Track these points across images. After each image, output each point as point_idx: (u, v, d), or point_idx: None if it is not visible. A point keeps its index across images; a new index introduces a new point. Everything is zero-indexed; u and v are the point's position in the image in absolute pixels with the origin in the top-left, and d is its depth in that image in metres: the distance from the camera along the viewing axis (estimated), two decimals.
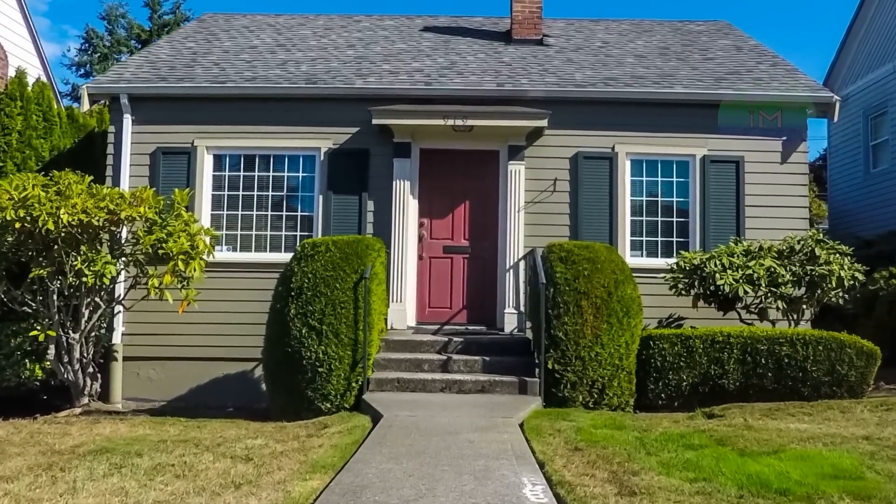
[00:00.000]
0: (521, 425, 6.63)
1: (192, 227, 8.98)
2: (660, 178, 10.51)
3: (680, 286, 9.02)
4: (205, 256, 9.18)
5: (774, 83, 10.74)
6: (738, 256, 8.92)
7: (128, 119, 10.34)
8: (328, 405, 7.99)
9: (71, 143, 12.67)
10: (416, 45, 12.39)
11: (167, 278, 8.62)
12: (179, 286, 9.12)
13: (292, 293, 8.13)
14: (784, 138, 10.45)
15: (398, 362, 8.53)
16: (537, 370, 8.37)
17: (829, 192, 17.99)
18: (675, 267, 9.33)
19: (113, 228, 8.86)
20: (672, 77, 10.90)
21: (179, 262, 8.65)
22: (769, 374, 8.27)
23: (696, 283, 8.91)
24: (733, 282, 8.61)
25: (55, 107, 12.63)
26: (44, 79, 15.45)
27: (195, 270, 8.77)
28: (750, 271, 8.64)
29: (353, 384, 8.04)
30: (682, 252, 9.57)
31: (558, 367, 8.05)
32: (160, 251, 8.59)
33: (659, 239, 10.46)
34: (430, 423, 6.43)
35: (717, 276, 8.64)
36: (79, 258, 8.35)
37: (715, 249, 9.15)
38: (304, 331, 7.98)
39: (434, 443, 5.67)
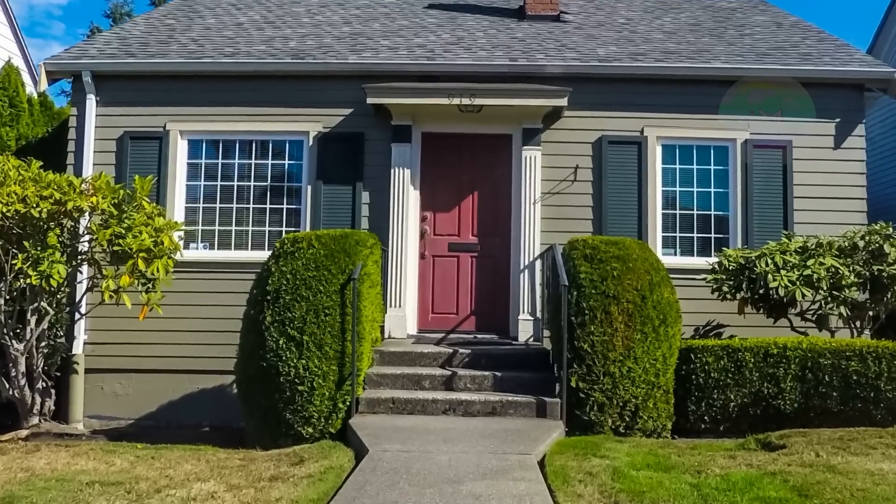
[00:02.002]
0: (542, 463, 5.35)
1: (157, 221, 7.75)
2: (695, 166, 9.21)
3: (724, 289, 7.72)
4: (174, 255, 7.97)
5: (825, 58, 9.42)
6: (791, 254, 7.61)
7: (91, 100, 9.13)
8: (310, 430, 6.75)
9: (44, 132, 11.51)
10: (419, 21, 11.13)
11: (125, 279, 7.40)
12: (143, 289, 7.90)
13: (268, 297, 6.89)
14: (837, 120, 9.14)
15: (394, 378, 7.27)
16: (558, 388, 7.10)
17: (868, 187, 16.57)
18: (716, 267, 8.03)
19: (65, 222, 7.65)
20: (708, 53, 9.60)
21: (140, 261, 7.42)
22: (834, 394, 6.97)
23: (743, 286, 7.61)
24: (789, 284, 7.30)
25: (23, 93, 11.47)
26: (21, 66, 14.36)
27: (159, 271, 7.53)
28: (808, 271, 7.32)
29: (340, 405, 6.79)
30: (726, 249, 8.26)
31: (584, 385, 6.78)
32: (116, 248, 7.36)
33: (694, 235, 9.16)
34: (427, 463, 5.14)
35: (770, 276, 7.33)
36: (20, 256, 7.13)
37: (765, 246, 7.83)
38: (281, 341, 6.74)
39: (427, 498, 4.38)
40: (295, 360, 6.71)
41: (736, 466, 5.35)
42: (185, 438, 7.98)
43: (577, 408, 6.81)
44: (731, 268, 7.71)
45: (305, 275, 6.88)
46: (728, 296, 7.76)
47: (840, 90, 9.16)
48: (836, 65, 9.18)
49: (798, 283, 7.30)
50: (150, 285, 7.92)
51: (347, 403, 6.80)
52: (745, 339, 7.30)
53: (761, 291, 7.50)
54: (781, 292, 7.29)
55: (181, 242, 9.00)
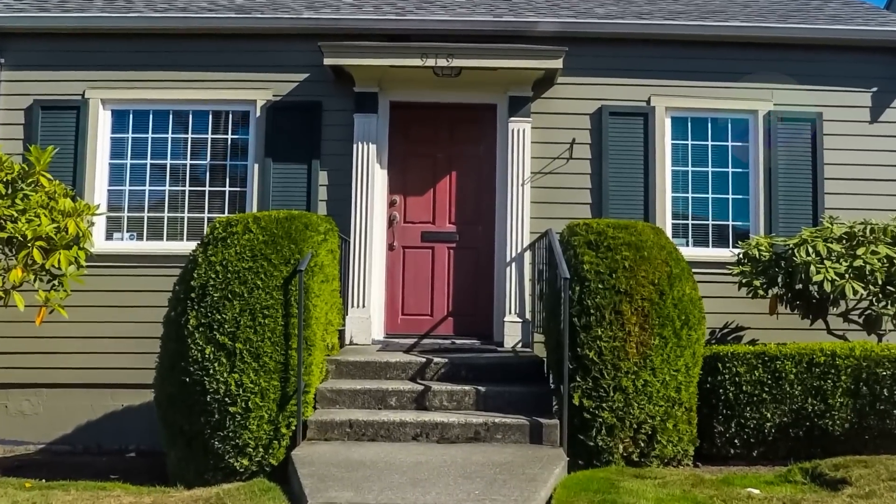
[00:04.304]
0: None
1: (63, 203, 6.28)
2: (710, 142, 7.89)
3: (756, 283, 6.39)
4: (86, 245, 6.51)
5: (857, 19, 8.15)
6: (835, 242, 6.30)
7: None
8: (245, 462, 5.33)
9: None
10: None
11: (15, 274, 5.92)
12: (48, 287, 6.45)
13: (193, 295, 5.46)
14: (874, 90, 7.86)
15: (352, 395, 5.85)
16: (555, 406, 5.75)
17: None
18: (742, 258, 6.71)
19: None
20: (723, 13, 8.29)
21: (36, 252, 5.95)
22: (895, 412, 5.66)
23: (778, 280, 6.28)
24: (835, 277, 5.99)
25: None
26: None
27: (61, 264, 6.07)
28: (860, 262, 6.01)
29: (284, 430, 5.38)
30: (755, 237, 6.94)
31: (589, 402, 5.42)
32: (3, 235, 5.89)
33: (709, 222, 7.84)
34: None
35: (813, 268, 6.00)
36: None
37: (802, 232, 6.50)
38: (208, 350, 5.31)
39: None
40: (225, 374, 5.29)
41: None
42: (101, 468, 6.59)
43: (580, 431, 5.46)
44: (763, 258, 6.38)
45: (239, 266, 5.46)
46: (760, 292, 6.43)
47: (876, 55, 7.89)
48: (871, 25, 7.91)
49: (848, 276, 5.98)
50: (55, 282, 6.46)
51: (293, 428, 5.39)
52: (784, 345, 5.98)
53: (799, 286, 6.18)
54: (827, 287, 5.97)
55: (101, 231, 7.59)
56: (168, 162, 7.78)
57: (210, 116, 7.81)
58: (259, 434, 5.31)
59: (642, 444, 5.53)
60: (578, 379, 5.46)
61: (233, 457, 5.31)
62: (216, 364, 5.30)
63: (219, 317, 5.35)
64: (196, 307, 5.41)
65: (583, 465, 5.42)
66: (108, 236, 7.71)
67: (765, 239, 6.71)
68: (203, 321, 5.37)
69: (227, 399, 5.28)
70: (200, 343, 5.34)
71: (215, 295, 5.40)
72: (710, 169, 7.85)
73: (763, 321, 7.18)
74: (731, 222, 7.83)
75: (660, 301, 5.57)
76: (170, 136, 7.79)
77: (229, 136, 7.81)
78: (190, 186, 7.76)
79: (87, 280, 7.24)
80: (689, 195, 7.82)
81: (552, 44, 7.53)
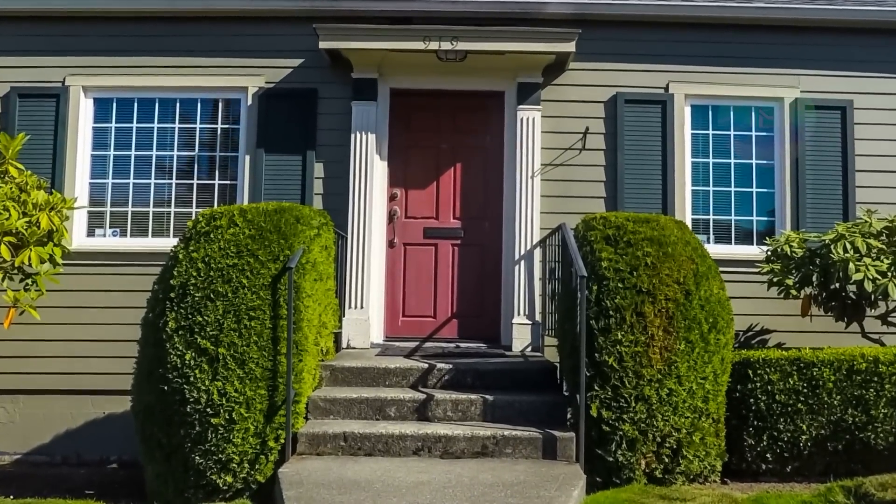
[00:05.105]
0: None
1: (35, 196, 5.81)
2: (733, 132, 7.38)
3: (788, 283, 5.88)
4: (62, 241, 6.04)
5: (890, 0, 7.63)
6: (872, 237, 5.79)
7: None
8: (229, 479, 4.84)
9: None
10: None
11: None
12: (23, 286, 5.98)
13: (172, 295, 4.97)
14: None
15: (348, 404, 5.35)
16: (570, 416, 5.26)
17: None
18: (771, 255, 6.20)
19: None
20: None
21: (3, 249, 5.47)
22: None
23: (812, 279, 5.76)
24: (877, 275, 5.47)
25: None
26: None
27: (31, 261, 5.59)
28: None
29: (271, 443, 4.88)
30: (785, 232, 6.43)
31: (608, 413, 4.92)
32: None
33: (732, 218, 7.33)
34: None
35: (852, 266, 5.49)
36: None
37: (839, 226, 5.97)
38: (188, 356, 4.82)
39: None
40: (207, 382, 4.80)
41: None
42: (78, 482, 6.15)
43: (598, 445, 4.96)
44: (796, 255, 5.87)
45: (223, 263, 4.97)
46: (793, 292, 5.91)
47: None
48: None
49: (891, 274, 5.46)
50: (29, 281, 5.99)
51: (281, 441, 4.90)
52: (820, 350, 5.46)
53: (836, 286, 5.67)
54: (868, 287, 5.45)
55: (82, 227, 7.12)
56: (154, 153, 7.29)
57: (199, 105, 7.31)
58: (244, 448, 4.82)
59: (666, 460, 5.03)
60: (596, 387, 4.96)
61: (215, 473, 4.82)
62: (197, 371, 4.81)
63: (200, 319, 4.86)
64: (175, 308, 4.92)
65: (601, 483, 4.94)
66: (90, 232, 7.22)
67: (796, 234, 6.19)
68: (183, 324, 4.88)
69: (208, 409, 4.79)
70: (180, 348, 4.85)
71: (196, 295, 4.91)
72: (732, 161, 7.34)
73: (789, 323, 6.71)
74: (754, 217, 7.32)
75: (685, 302, 5.07)
76: (156, 125, 7.31)
77: (219, 126, 7.31)
78: (177, 179, 7.27)
79: (67, 279, 6.81)
80: (711, 188, 7.31)
81: (564, 27, 7.00)
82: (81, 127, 7.22)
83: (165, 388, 4.86)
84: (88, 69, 7.27)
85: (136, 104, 7.32)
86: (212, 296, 4.89)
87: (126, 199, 7.26)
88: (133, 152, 7.29)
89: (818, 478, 5.27)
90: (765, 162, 7.35)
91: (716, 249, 6.96)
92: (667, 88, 7.27)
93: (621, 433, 4.92)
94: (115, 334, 6.87)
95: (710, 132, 7.35)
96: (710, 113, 7.36)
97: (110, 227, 7.24)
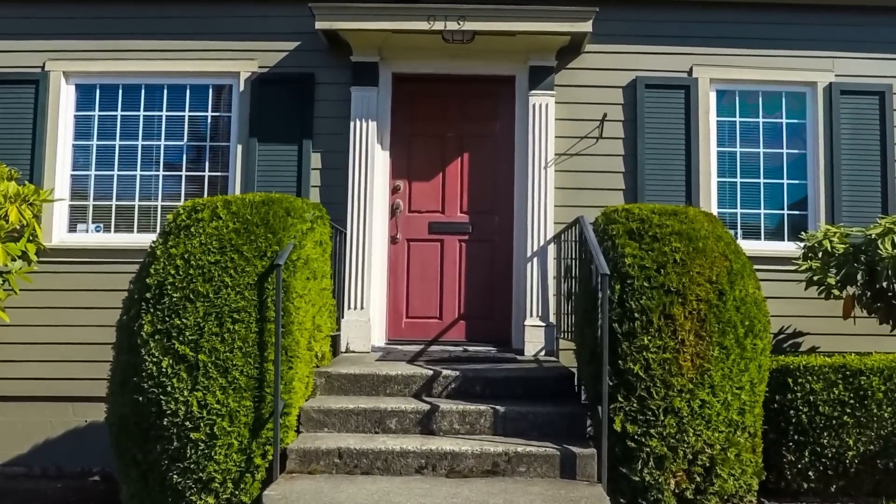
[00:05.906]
0: None
1: (5, 187, 5.33)
2: (761, 119, 6.85)
3: (830, 281, 5.35)
4: (35, 237, 5.57)
5: None
6: None
7: None
8: (211, 500, 4.34)
9: None
10: None
11: None
12: None
13: (148, 295, 4.48)
14: None
15: (344, 416, 4.85)
16: (590, 429, 4.74)
17: None
18: (809, 252, 5.67)
19: None
20: None
21: None
22: None
23: (857, 277, 5.23)
24: None
25: None
26: None
27: None
28: None
29: (258, 460, 4.39)
30: (824, 226, 5.90)
31: (634, 427, 4.40)
32: None
33: (762, 211, 6.80)
34: None
35: None
36: None
37: (885, 219, 5.43)
38: (165, 363, 4.33)
39: None
40: (186, 393, 4.31)
41: None
42: (54, 498, 5.79)
43: (622, 462, 4.45)
44: (835, 251, 5.33)
45: (204, 260, 4.48)
46: (835, 291, 5.38)
47: None
48: None
49: None
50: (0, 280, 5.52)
51: (269, 458, 4.40)
52: (867, 357, 4.93)
53: (882, 285, 5.13)
54: None
55: (63, 222, 6.65)
56: (140, 143, 6.80)
57: (188, 91, 6.82)
58: (227, 466, 4.33)
59: (698, 479, 4.51)
60: (620, 398, 4.44)
61: (195, 494, 4.33)
62: (175, 380, 4.32)
63: (178, 322, 4.37)
64: (152, 310, 4.43)
65: None
66: (72, 227, 6.75)
67: (836, 228, 5.66)
68: (159, 327, 4.39)
69: (187, 423, 4.30)
70: (156, 354, 4.36)
71: (175, 295, 4.42)
72: (761, 150, 6.81)
73: (823, 325, 6.25)
74: (785, 211, 6.79)
75: (719, 303, 4.55)
76: (142, 113, 6.82)
77: (209, 114, 6.82)
78: (164, 171, 6.79)
79: (46, 278, 6.35)
80: (738, 180, 6.78)
81: (580, 5, 6.47)
82: (62, 115, 6.74)
83: (140, 398, 4.37)
84: (70, 53, 6.79)
85: (120, 91, 6.84)
86: (191, 296, 4.40)
87: (110, 193, 6.78)
88: (117, 142, 6.80)
89: (866, 498, 4.78)
90: (796, 151, 6.82)
91: (744, 245, 6.42)
92: (690, 72, 6.75)
93: (648, 449, 4.40)
94: (97, 336, 6.36)
95: (737, 119, 6.83)
96: (737, 98, 6.84)
97: (93, 222, 6.77)
